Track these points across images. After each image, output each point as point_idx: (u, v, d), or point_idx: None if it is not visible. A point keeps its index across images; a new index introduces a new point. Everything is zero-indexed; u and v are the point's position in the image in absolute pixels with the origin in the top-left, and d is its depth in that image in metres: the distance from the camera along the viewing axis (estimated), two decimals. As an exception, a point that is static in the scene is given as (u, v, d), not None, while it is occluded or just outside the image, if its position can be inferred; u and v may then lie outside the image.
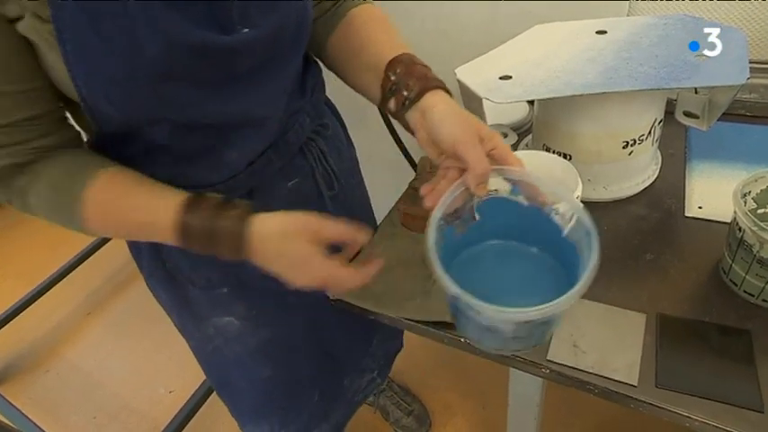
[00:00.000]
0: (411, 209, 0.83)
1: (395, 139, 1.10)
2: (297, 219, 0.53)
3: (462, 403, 1.39)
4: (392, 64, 0.57)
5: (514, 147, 0.95)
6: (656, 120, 0.76)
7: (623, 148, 0.75)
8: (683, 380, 0.58)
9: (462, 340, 0.65)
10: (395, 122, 1.04)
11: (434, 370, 1.48)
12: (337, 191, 0.78)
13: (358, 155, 0.90)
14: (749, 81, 1.03)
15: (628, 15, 1.15)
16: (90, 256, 1.91)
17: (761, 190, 0.67)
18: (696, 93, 0.82)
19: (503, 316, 0.43)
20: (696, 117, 0.81)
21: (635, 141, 0.75)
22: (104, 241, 1.93)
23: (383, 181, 1.03)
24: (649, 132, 0.76)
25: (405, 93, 0.54)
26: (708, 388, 0.57)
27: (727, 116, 1.00)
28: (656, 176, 0.83)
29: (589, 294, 0.68)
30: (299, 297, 0.69)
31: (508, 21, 0.94)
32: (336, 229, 0.54)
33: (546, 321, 0.47)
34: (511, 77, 0.73)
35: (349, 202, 0.82)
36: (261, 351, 0.80)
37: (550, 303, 0.42)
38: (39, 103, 0.50)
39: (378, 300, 0.72)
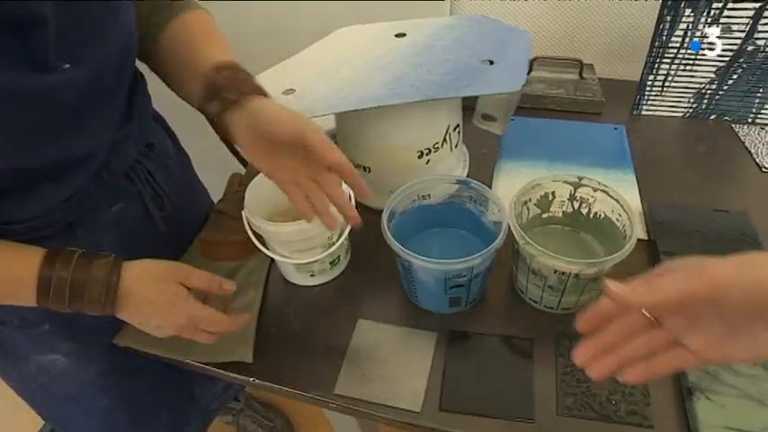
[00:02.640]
0: (210, 234, 0.76)
1: (223, 141, 1.03)
2: (166, 265, 0.56)
3: (326, 412, 1.37)
4: (218, 68, 0.57)
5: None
6: (449, 126, 0.75)
7: (419, 158, 0.74)
8: (467, 400, 0.58)
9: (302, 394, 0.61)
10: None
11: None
12: (170, 211, 0.73)
13: (195, 160, 0.86)
14: (556, 76, 1.08)
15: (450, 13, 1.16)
16: None
17: (540, 196, 0.68)
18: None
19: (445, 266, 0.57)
20: (495, 120, 0.82)
21: (430, 150, 0.74)
22: None
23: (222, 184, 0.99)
24: (444, 140, 0.75)
25: (230, 94, 0.55)
26: (488, 406, 0.57)
27: (537, 111, 1.03)
28: (462, 180, 0.83)
29: (382, 316, 0.67)
30: None
31: (341, 22, 0.90)
32: (204, 277, 0.57)
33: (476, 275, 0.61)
34: (294, 91, 0.69)
35: (183, 219, 0.79)
36: (94, 385, 0.73)
37: (472, 256, 0.56)
38: None
39: (168, 344, 0.65)
